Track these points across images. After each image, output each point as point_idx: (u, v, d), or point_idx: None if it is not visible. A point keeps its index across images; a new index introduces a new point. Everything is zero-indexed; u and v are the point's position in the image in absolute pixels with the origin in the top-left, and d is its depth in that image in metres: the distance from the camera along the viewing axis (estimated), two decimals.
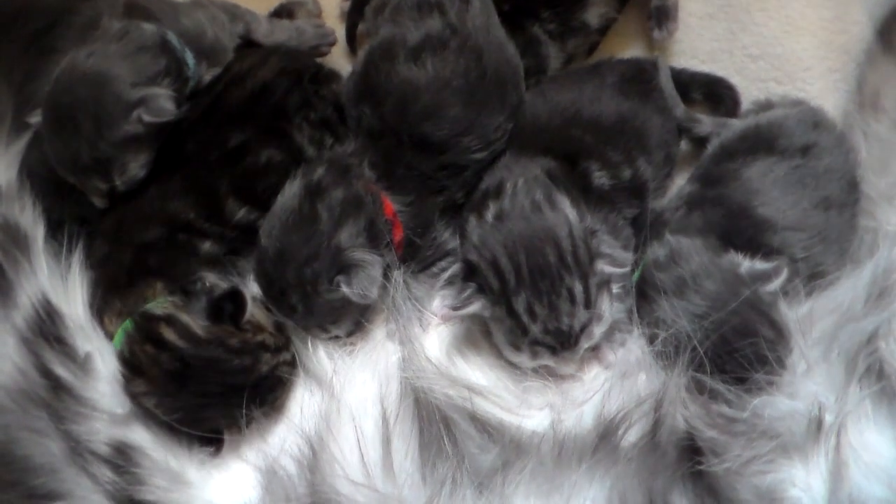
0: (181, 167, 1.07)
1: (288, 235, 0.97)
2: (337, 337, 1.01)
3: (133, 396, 0.93)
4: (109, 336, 0.99)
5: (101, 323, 1.00)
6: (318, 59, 1.24)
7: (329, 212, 0.97)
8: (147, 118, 0.99)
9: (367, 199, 1.00)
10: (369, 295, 0.95)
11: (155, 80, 1.02)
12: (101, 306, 1.01)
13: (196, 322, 0.93)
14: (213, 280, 1.01)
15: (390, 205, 1.03)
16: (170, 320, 0.93)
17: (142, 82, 1.01)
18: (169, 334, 0.92)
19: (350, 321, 1.01)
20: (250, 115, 1.09)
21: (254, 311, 0.97)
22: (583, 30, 1.17)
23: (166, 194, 1.06)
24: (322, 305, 0.97)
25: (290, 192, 1.00)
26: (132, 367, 0.93)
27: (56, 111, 0.99)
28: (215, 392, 0.92)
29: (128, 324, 0.96)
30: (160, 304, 0.96)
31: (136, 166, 1.03)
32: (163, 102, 1.00)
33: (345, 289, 0.94)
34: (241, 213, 1.07)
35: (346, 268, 0.95)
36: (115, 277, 1.02)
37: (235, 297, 0.95)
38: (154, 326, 0.93)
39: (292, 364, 1.00)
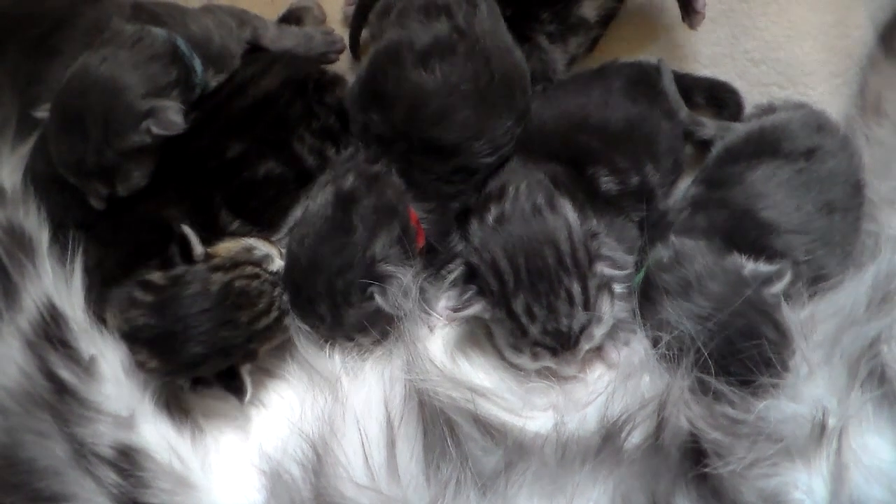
0: (178, 174, 1.07)
1: (321, 245, 0.97)
2: (359, 345, 1.01)
3: (142, 367, 0.95)
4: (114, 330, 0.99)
5: (104, 323, 1.00)
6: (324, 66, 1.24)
7: (363, 222, 0.97)
8: (155, 130, 0.99)
9: (400, 207, 1.00)
10: (402, 306, 0.95)
11: (165, 90, 1.02)
12: (100, 305, 1.01)
13: (157, 275, 0.97)
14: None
15: (414, 212, 1.03)
16: (141, 284, 0.96)
17: (152, 93, 1.00)
18: (140, 295, 0.96)
19: (377, 330, 1.00)
20: (250, 126, 1.08)
21: (219, 244, 1.01)
22: (582, 25, 1.17)
23: (161, 200, 1.06)
24: (352, 317, 0.97)
25: (322, 199, 1.00)
26: (128, 337, 0.96)
27: (65, 114, 0.99)
28: (189, 327, 0.94)
29: None
30: (140, 274, 0.99)
31: (138, 175, 1.03)
32: (172, 115, 1.00)
33: (379, 300, 0.94)
34: (235, 226, 1.07)
35: (379, 279, 0.95)
36: (111, 275, 1.02)
37: (181, 241, 0.98)
38: (129, 293, 0.96)
39: (257, 277, 1.00)
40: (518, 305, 0.92)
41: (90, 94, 0.98)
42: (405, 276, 0.96)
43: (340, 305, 0.96)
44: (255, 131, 1.08)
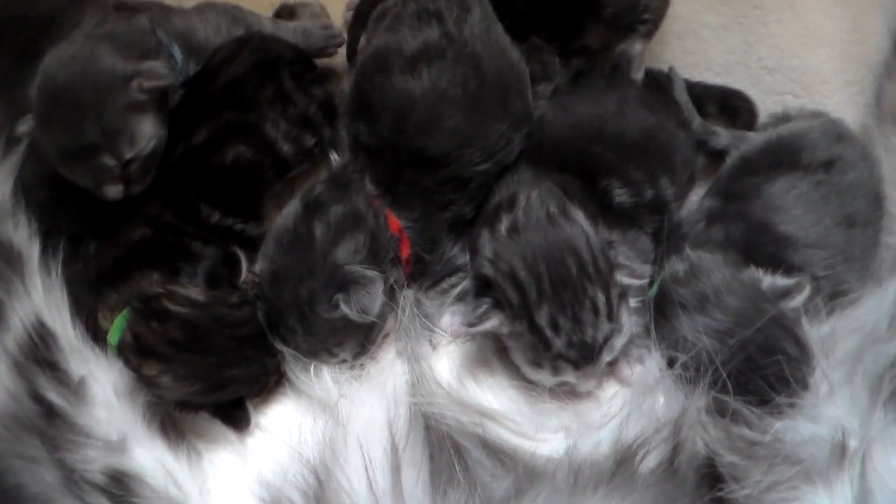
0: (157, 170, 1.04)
1: (283, 255, 0.95)
2: (344, 361, 0.99)
3: (149, 382, 0.92)
4: (104, 332, 0.96)
5: (94, 320, 0.98)
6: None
7: (326, 228, 0.95)
8: (147, 84, 0.95)
9: (368, 214, 0.97)
10: (370, 313, 0.92)
11: (147, 55, 0.99)
12: (93, 302, 0.99)
13: (194, 290, 0.94)
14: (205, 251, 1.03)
15: (396, 221, 1.00)
16: (169, 295, 0.93)
17: (134, 56, 0.97)
18: (171, 306, 0.92)
19: (355, 342, 0.98)
20: (217, 111, 1.05)
21: (251, 271, 1.00)
22: (585, 52, 1.14)
23: (144, 197, 1.03)
24: (321, 326, 0.94)
25: (289, 210, 0.98)
26: (140, 350, 0.92)
27: (51, 96, 0.94)
28: (227, 348, 0.93)
29: (126, 312, 0.94)
30: (155, 284, 0.96)
31: (145, 135, 0.98)
32: (159, 68, 0.97)
33: (344, 307, 0.92)
34: (216, 218, 1.04)
35: (344, 285, 0.93)
36: (107, 271, 1.00)
37: (230, 260, 0.97)
38: (156, 303, 0.93)
39: None
40: (541, 317, 0.88)
41: (71, 68, 0.94)
42: (375, 283, 0.93)
43: (307, 314, 0.93)
44: (220, 116, 1.05)
